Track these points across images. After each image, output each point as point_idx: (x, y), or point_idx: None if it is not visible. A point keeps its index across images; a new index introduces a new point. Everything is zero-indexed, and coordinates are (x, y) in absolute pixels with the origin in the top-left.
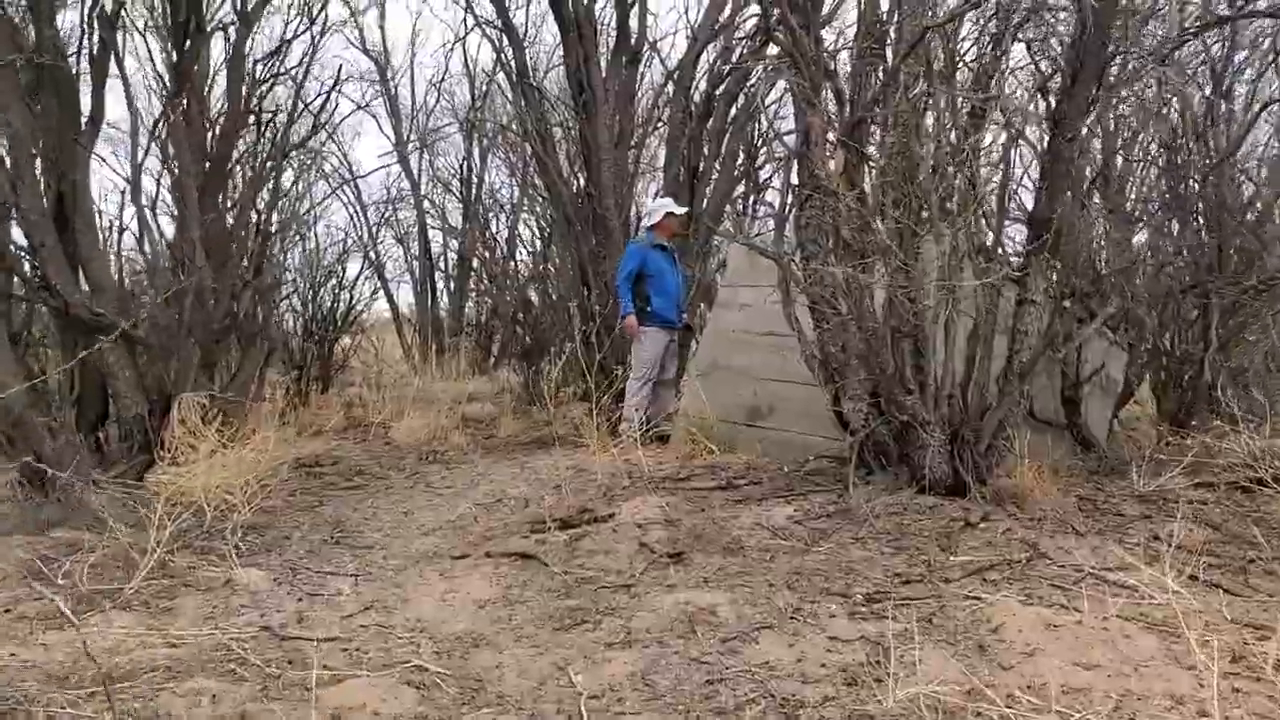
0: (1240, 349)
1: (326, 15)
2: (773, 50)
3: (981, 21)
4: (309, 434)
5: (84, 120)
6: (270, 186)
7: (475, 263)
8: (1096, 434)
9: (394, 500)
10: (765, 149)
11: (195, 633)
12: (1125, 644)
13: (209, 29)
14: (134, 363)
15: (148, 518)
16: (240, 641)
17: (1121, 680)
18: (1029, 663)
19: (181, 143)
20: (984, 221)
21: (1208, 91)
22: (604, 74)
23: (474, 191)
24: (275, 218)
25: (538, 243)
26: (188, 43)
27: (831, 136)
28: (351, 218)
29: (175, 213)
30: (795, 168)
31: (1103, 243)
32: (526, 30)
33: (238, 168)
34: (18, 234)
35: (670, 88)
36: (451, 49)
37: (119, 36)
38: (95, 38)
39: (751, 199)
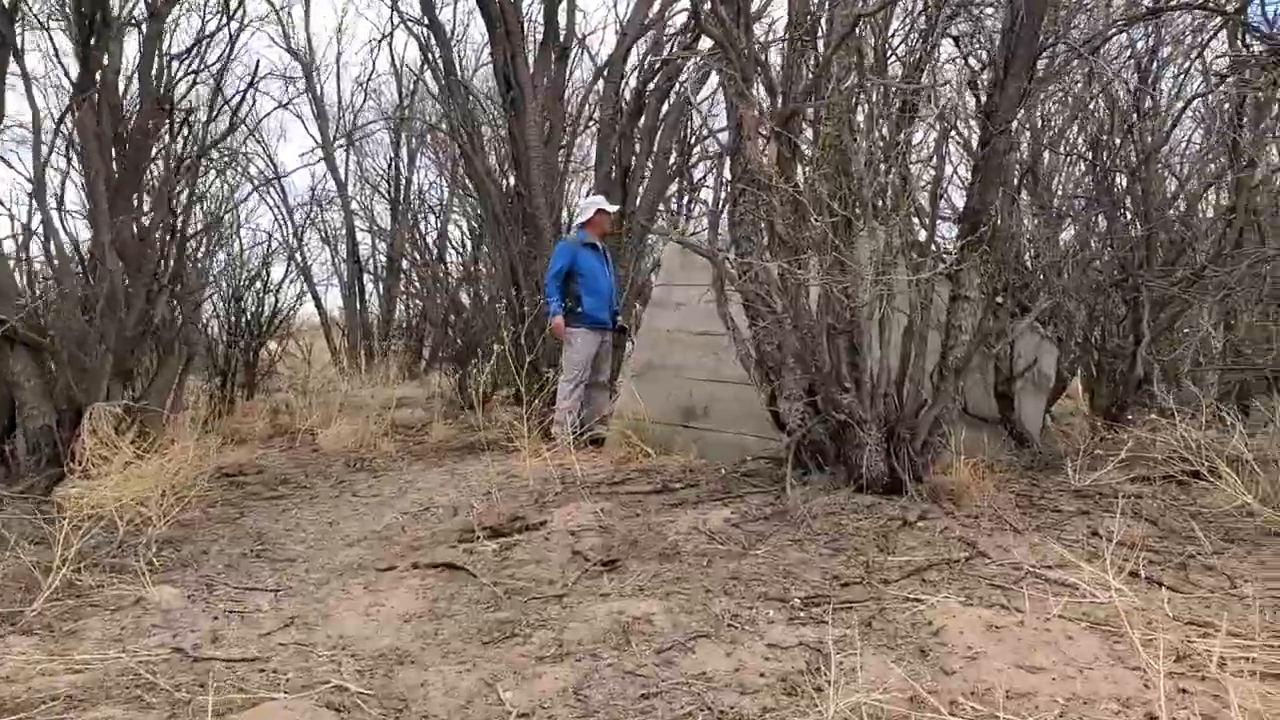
0: (1172, 342)
1: (244, 10)
2: (704, 44)
3: (912, 16)
4: (233, 442)
5: None
6: (189, 186)
7: (405, 264)
8: (1030, 429)
9: (319, 510)
10: (698, 146)
11: (101, 657)
12: (1069, 645)
13: (116, 22)
14: (41, 371)
15: (53, 535)
16: (149, 665)
17: (1067, 683)
18: (972, 667)
19: (90, 140)
20: (917, 218)
21: (1133, 86)
22: (532, 70)
23: (402, 192)
24: (195, 219)
25: (468, 244)
26: (93, 37)
27: (764, 129)
28: (276, 219)
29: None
30: (728, 163)
31: (1031, 238)
32: (454, 27)
33: (153, 167)
34: None
35: (600, 84)
36: (378, 47)
37: (17, 30)
38: None
39: (685, 197)
